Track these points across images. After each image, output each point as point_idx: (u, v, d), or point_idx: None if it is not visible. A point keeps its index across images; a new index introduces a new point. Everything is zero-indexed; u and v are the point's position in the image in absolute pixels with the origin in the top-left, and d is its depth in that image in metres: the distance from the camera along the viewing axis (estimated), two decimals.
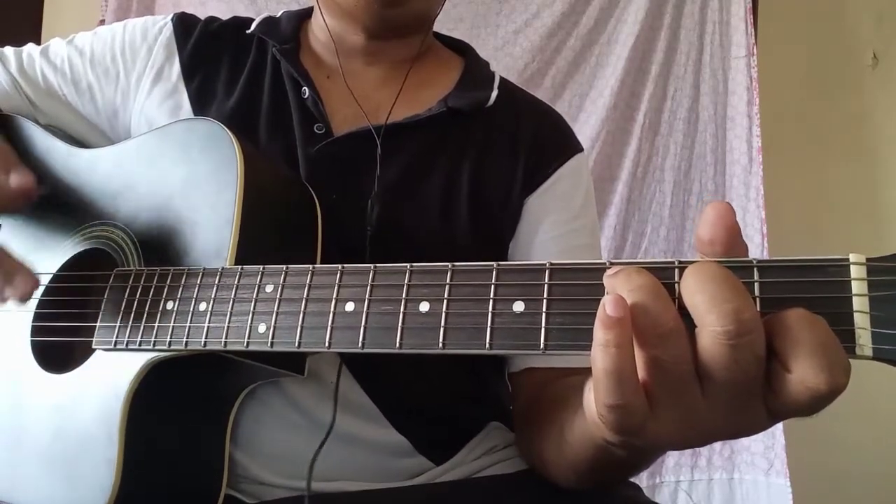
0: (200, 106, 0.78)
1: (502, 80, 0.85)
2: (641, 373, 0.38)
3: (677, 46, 1.92)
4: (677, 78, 1.93)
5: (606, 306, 0.37)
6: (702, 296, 0.36)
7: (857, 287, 0.36)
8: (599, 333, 0.37)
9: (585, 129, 1.86)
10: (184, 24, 0.83)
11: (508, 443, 0.78)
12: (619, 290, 0.38)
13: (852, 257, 0.37)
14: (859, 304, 0.36)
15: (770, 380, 0.37)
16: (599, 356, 0.38)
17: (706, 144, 1.92)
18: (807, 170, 2.02)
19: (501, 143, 0.79)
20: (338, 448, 0.68)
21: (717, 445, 1.80)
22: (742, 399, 0.38)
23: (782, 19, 2.04)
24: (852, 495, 1.86)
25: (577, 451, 0.57)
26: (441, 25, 0.87)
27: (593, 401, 0.40)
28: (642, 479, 1.79)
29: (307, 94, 0.76)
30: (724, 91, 1.91)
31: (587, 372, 0.76)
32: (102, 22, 1.74)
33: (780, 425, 1.71)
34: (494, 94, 0.81)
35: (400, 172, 0.74)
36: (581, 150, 0.84)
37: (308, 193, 0.68)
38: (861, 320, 0.36)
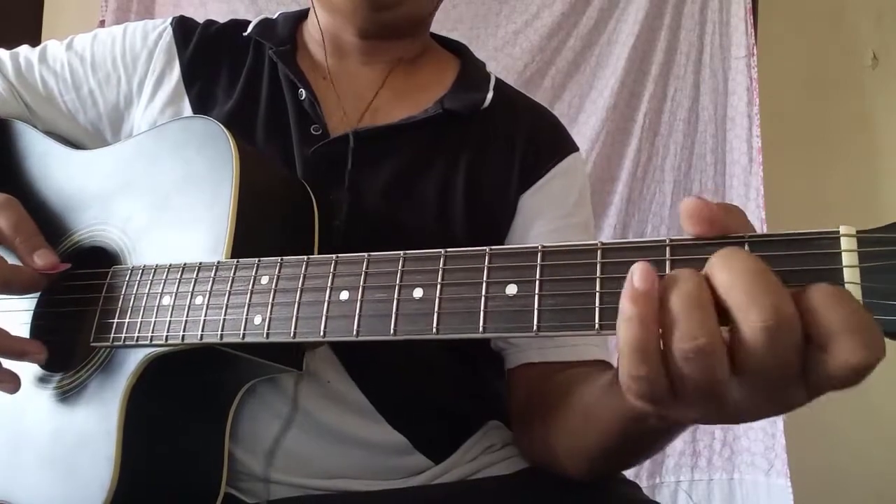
0: (202, 111, 0.78)
1: (498, 80, 0.85)
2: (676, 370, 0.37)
3: (677, 46, 1.92)
4: (677, 78, 1.93)
5: (634, 277, 0.37)
6: (738, 291, 0.35)
7: (848, 259, 0.36)
8: (626, 305, 0.37)
9: (585, 129, 1.86)
10: (183, 29, 0.83)
11: (506, 442, 0.78)
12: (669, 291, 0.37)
13: (842, 229, 0.37)
14: (850, 275, 0.36)
15: (808, 363, 0.36)
16: (623, 328, 0.37)
17: (706, 144, 1.92)
18: (807, 170, 2.02)
19: (497, 143, 0.80)
20: (335, 446, 0.68)
21: (718, 446, 1.80)
22: (780, 385, 0.37)
23: (782, 19, 2.04)
24: (852, 495, 1.85)
25: (606, 427, 0.56)
26: (440, 26, 0.88)
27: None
28: (642, 480, 1.79)
29: (304, 95, 0.76)
30: (724, 91, 1.91)
31: (587, 364, 0.75)
32: (102, 22, 1.74)
33: (780, 425, 1.71)
34: (490, 95, 0.81)
35: (396, 173, 0.74)
36: (576, 150, 0.85)
37: (304, 190, 0.68)
38: (853, 291, 0.36)
